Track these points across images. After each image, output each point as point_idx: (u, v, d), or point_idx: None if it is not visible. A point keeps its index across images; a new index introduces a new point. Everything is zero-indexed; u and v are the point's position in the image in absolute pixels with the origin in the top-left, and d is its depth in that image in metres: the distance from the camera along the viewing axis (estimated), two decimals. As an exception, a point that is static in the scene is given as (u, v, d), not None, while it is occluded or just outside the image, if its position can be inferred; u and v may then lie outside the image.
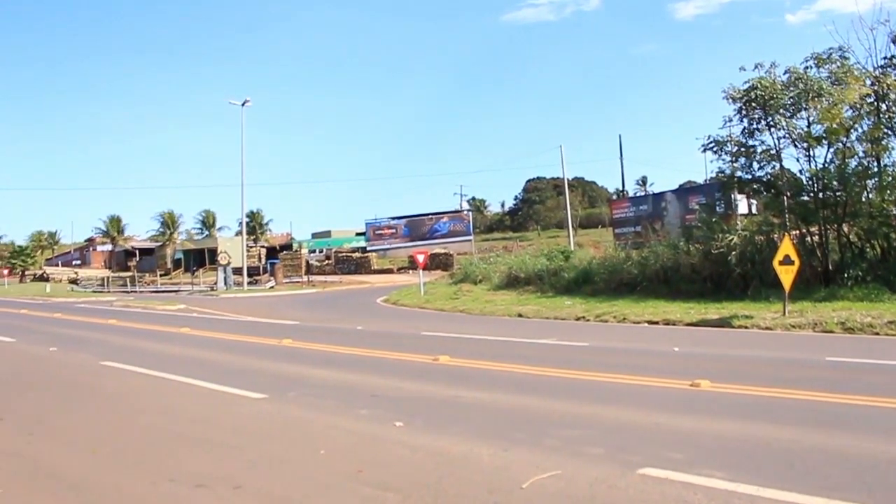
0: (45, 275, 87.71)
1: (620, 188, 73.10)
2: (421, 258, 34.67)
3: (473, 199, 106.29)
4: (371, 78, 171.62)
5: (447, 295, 30.30)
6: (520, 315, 21.95)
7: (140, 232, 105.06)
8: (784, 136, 21.29)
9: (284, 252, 74.07)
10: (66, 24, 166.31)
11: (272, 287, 49.97)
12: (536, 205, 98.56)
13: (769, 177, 22.27)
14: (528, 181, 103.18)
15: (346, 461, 5.99)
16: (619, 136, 60.56)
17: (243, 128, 48.05)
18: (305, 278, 56.08)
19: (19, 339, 17.40)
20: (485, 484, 5.23)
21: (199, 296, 43.66)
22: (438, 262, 57.40)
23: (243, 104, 47.97)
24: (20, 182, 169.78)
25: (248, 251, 57.08)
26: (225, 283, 48.77)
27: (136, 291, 54.41)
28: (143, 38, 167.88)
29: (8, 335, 18.31)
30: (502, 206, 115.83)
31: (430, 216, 73.42)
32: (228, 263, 49.70)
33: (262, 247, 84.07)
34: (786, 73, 20.87)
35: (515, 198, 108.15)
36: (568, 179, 58.41)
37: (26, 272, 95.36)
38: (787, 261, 16.38)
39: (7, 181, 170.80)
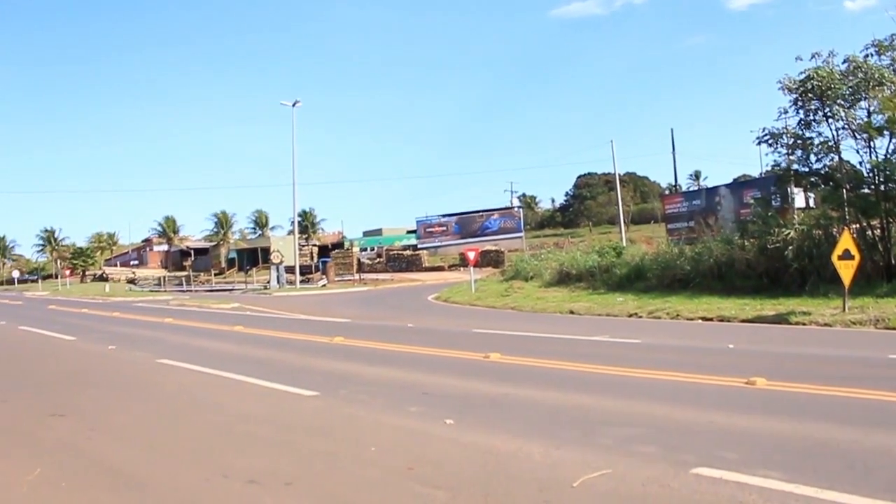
0: (104, 275, 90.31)
1: (673, 183, 72.12)
2: (472, 255, 34.63)
3: (524, 195, 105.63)
4: (420, 75, 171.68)
5: (498, 292, 30.20)
6: (571, 312, 21.77)
7: (195, 232, 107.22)
8: (843, 127, 20.77)
9: (336, 250, 74.48)
10: (115, 25, 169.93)
11: (324, 285, 50.43)
12: (588, 200, 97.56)
13: (827, 169, 21.72)
14: (579, 177, 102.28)
15: (396, 458, 5.99)
16: (671, 131, 59.77)
17: (294, 128, 48.79)
18: (357, 276, 56.37)
19: (80, 338, 17.87)
20: (535, 482, 5.18)
21: (252, 294, 44.34)
22: (489, 260, 57.28)
23: (294, 105, 48.60)
24: (79, 184, 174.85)
25: (300, 250, 57.76)
26: (278, 282, 49.45)
27: (191, 290, 55.52)
28: (195, 40, 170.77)
29: (69, 334, 18.84)
30: (553, 202, 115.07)
31: (481, 213, 73.36)
32: (281, 262, 50.36)
33: (314, 245, 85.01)
34: (844, 62, 20.34)
35: (566, 194, 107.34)
36: (619, 175, 57.87)
37: (87, 272, 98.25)
38: (846, 255, 15.93)
39: (67, 183, 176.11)
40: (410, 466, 5.68)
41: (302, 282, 50.68)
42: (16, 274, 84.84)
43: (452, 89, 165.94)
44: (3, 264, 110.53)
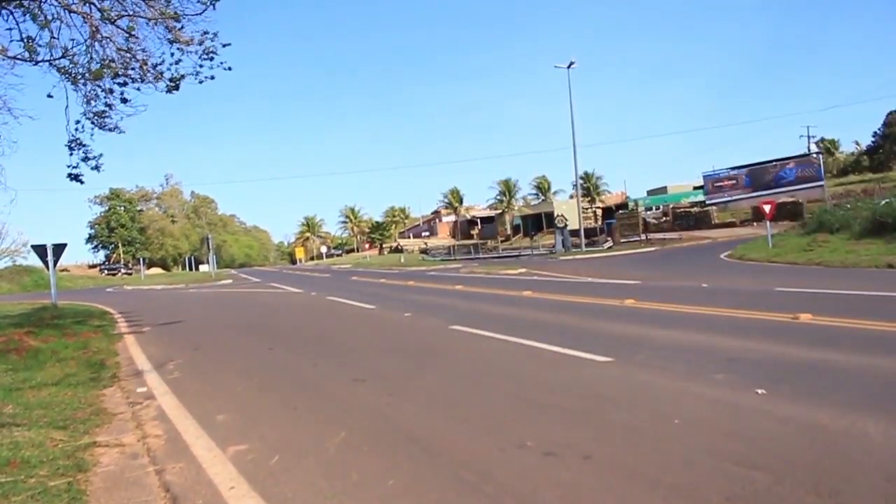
0: (399, 247, 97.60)
1: None
2: (767, 208, 32.57)
3: (822, 140, 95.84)
4: (693, 20, 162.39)
5: (799, 246, 27.98)
6: (890, 266, 19.54)
7: (479, 201, 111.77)
8: None
9: (620, 211, 73.44)
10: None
11: (610, 247, 49.81)
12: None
13: None
14: (890, 114, 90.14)
15: (703, 432, 5.40)
16: None
17: (571, 90, 48.31)
18: (643, 236, 55.09)
19: (379, 306, 18.89)
20: (878, 468, 4.36)
21: (538, 259, 44.88)
22: (786, 212, 52.95)
23: (569, 66, 48.11)
24: (374, 163, 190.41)
25: (583, 212, 57.48)
26: (563, 246, 49.73)
27: (479, 258, 57.71)
28: (471, 13, 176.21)
29: (370, 303, 20.07)
30: (857, 145, 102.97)
31: (774, 163, 67.39)
32: (565, 226, 50.58)
33: (598, 207, 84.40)
34: None
35: (874, 134, 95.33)
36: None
37: (383, 245, 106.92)
38: None
39: (364, 163, 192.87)
40: (720, 442, 5.09)
41: (587, 245, 50.51)
42: (324, 249, 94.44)
43: (729, 32, 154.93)
44: (313, 241, 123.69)
